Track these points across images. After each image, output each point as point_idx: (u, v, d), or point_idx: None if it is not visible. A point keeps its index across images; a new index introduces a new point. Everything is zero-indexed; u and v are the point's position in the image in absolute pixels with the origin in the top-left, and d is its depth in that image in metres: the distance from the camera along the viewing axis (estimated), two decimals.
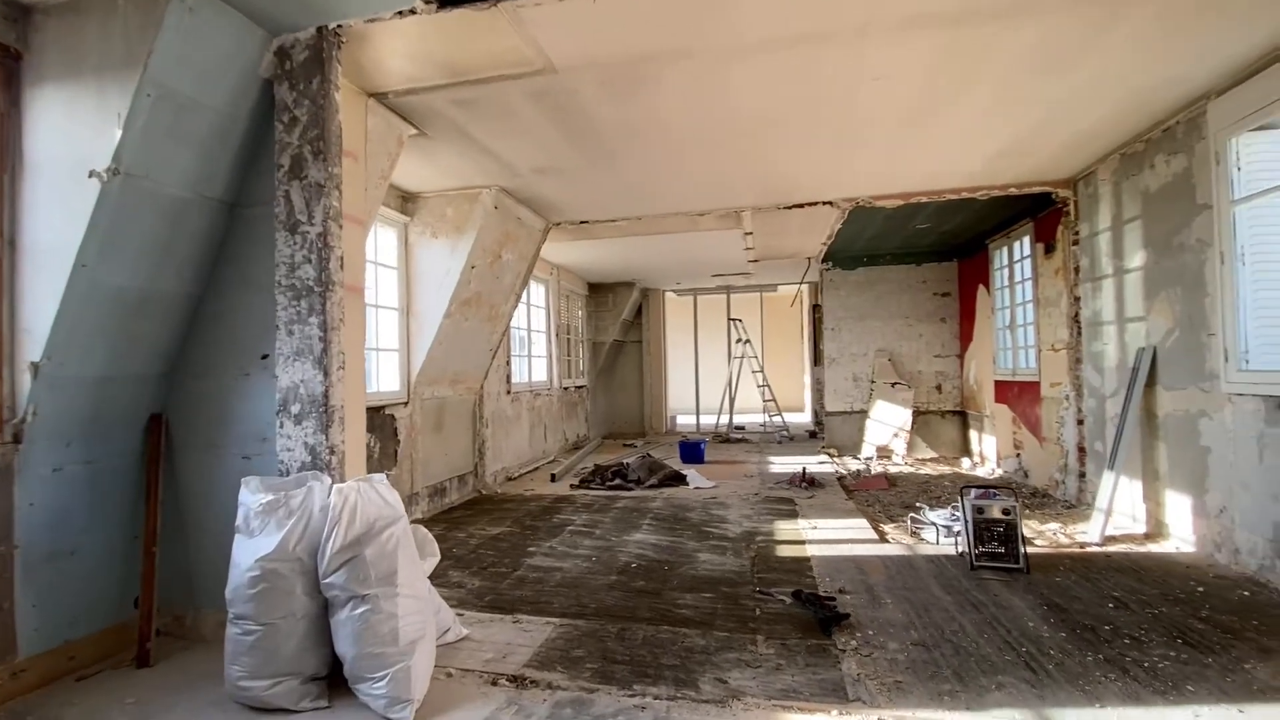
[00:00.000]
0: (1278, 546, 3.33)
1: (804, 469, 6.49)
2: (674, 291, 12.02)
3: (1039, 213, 6.06)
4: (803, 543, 4.38)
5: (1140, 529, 4.49)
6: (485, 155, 4.47)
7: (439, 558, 2.85)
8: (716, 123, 3.97)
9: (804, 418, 13.66)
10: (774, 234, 7.23)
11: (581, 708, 2.25)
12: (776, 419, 10.70)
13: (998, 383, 7.13)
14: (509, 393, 7.22)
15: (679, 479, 6.62)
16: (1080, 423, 5.34)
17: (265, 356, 2.82)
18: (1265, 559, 3.41)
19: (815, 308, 12.02)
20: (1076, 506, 5.25)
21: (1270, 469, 3.38)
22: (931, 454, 8.33)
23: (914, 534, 4.63)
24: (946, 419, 8.40)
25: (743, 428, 11.72)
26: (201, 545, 2.89)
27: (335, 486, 2.40)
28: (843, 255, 8.57)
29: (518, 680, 2.46)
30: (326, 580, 2.31)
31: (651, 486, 6.40)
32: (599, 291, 10.91)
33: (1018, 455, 6.62)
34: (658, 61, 3.17)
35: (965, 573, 3.66)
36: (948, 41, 3.08)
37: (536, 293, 8.61)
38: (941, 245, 8.06)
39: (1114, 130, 4.33)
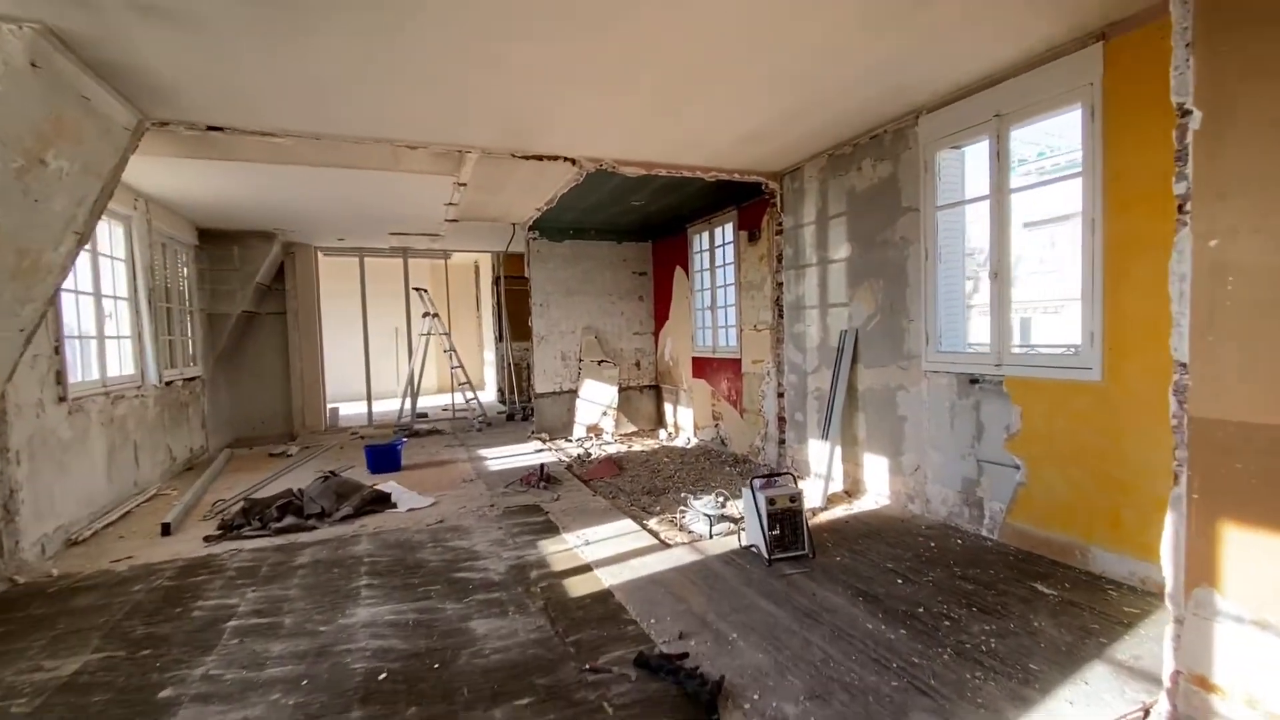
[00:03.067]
0: (964, 496, 4.10)
1: (542, 466, 5.69)
2: (333, 250, 9.52)
3: (743, 202, 6.50)
4: (588, 568, 3.61)
5: (840, 488, 5.19)
6: None
7: None
8: (476, 13, 2.72)
9: (488, 397, 12.76)
10: (491, 189, 6.06)
11: None
12: (473, 403, 9.53)
13: (697, 359, 7.60)
14: (63, 399, 4.34)
15: (382, 500, 5.04)
16: (780, 395, 5.95)
17: None
18: (954, 507, 4.17)
19: (499, 280, 11.17)
20: (780, 471, 5.85)
21: (959, 433, 4.12)
22: (633, 428, 8.53)
23: (683, 528, 4.37)
24: (644, 394, 8.70)
25: (426, 415, 10.17)
26: None
27: None
28: (550, 226, 7.93)
29: None
30: None
31: (346, 519, 4.67)
32: (217, 243, 7.77)
33: (716, 425, 7.18)
34: None
35: (766, 570, 3.48)
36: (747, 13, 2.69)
37: (112, 237, 5.45)
38: (641, 225, 8.15)
39: (833, 131, 4.70)
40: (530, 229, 7.88)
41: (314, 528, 4.49)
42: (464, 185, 5.73)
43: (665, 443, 7.72)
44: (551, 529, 4.34)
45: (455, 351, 9.53)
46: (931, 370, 4.30)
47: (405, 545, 4.09)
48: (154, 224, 6.08)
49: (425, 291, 9.29)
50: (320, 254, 9.41)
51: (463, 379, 9.49)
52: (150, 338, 5.86)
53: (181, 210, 6.62)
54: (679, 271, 7.98)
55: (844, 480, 5.16)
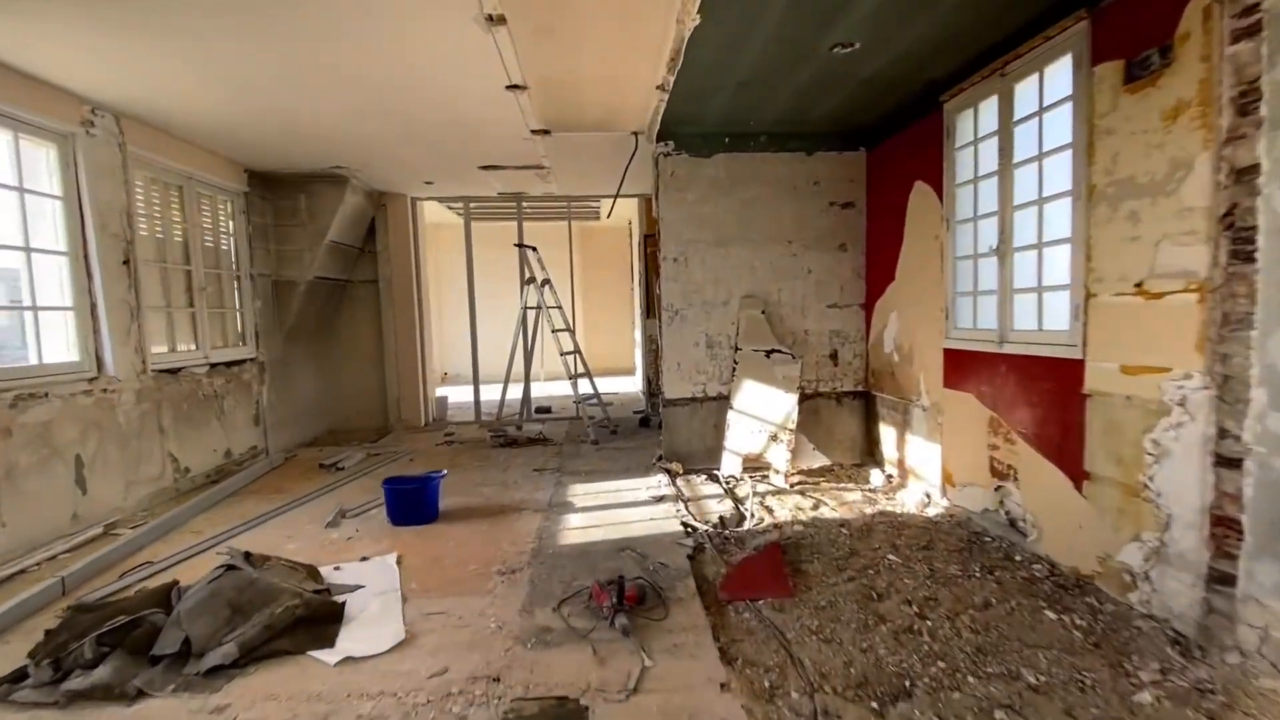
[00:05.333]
0: None
1: (620, 582, 2.84)
2: (430, 200, 7.64)
3: (1098, 2, 2.87)
4: None
5: None
6: None
7: None
8: None
9: (635, 385, 10.30)
10: (563, 52, 3.31)
11: None
12: (592, 404, 7.03)
13: (956, 353, 4.09)
14: None
15: (316, 623, 2.64)
16: (1228, 464, 2.35)
17: None
18: None
19: (649, 238, 8.48)
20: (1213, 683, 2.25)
21: None
22: (823, 460, 5.29)
23: None
24: (843, 405, 5.37)
25: (548, 410, 7.97)
26: None
27: None
28: (689, 130, 4.94)
29: None
30: None
31: (218, 670, 2.31)
32: (276, 190, 6.19)
33: (999, 486, 3.67)
34: None
35: None
36: None
37: (51, 163, 3.79)
38: (849, 115, 4.74)
39: None
40: (660, 139, 4.97)
41: (137, 697, 2.21)
42: (501, 21, 3.01)
43: (881, 499, 4.41)
44: None
45: (570, 331, 7.06)
46: None
47: None
48: (134, 150, 4.38)
49: (533, 250, 6.94)
50: (421, 207, 7.57)
51: (579, 370, 6.99)
52: (115, 310, 4.18)
53: (197, 136, 4.92)
54: (919, 193, 4.46)
55: None
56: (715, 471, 4.97)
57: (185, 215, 5.02)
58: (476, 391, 7.55)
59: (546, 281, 6.74)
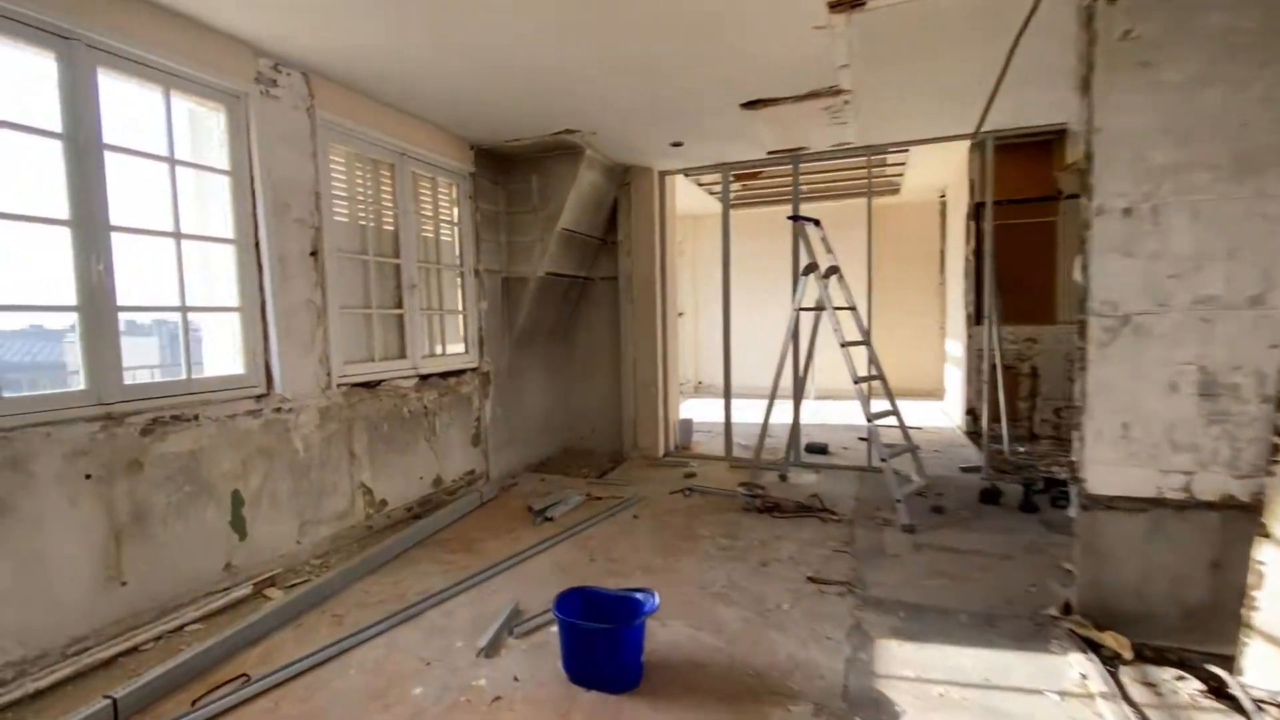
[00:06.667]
0: None
1: None
2: (686, 172, 6.08)
3: None
4: None
5: None
6: None
7: None
8: None
9: (943, 417, 7.39)
10: None
11: None
12: (894, 449, 4.57)
13: None
14: None
15: None
16: None
17: None
18: None
19: (979, 210, 5.71)
20: None
21: None
22: None
23: None
24: None
25: (823, 449, 5.80)
26: None
27: None
28: None
29: None
30: None
31: None
32: (508, 170, 5.25)
33: None
34: None
35: None
36: None
37: (213, 133, 3.12)
38: None
39: None
40: None
41: None
42: None
43: None
44: None
45: (866, 344, 4.70)
46: None
47: None
48: (328, 118, 3.60)
49: (814, 224, 4.80)
50: (669, 186, 6.07)
51: (881, 402, 4.60)
52: (295, 311, 3.42)
53: (415, 103, 4.07)
54: None
55: None
56: (1221, 673, 2.25)
57: (397, 199, 4.25)
58: (728, 418, 5.76)
59: (833, 271, 4.58)
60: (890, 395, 4.51)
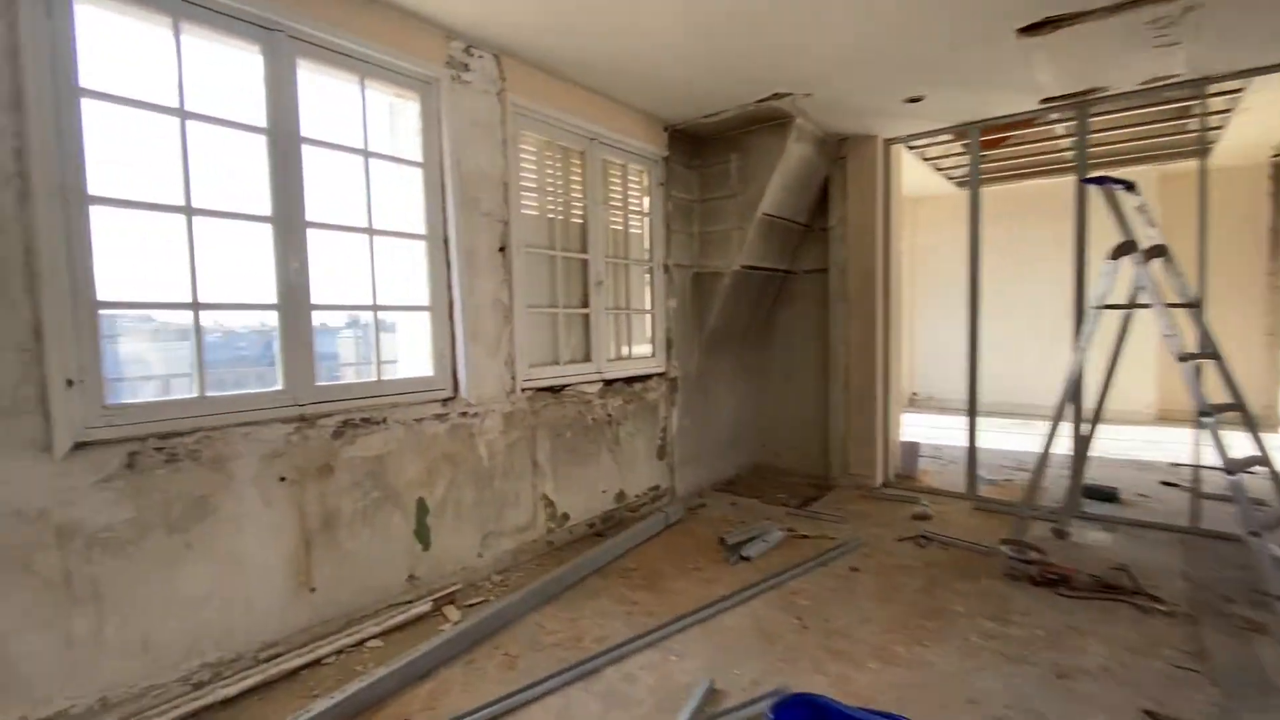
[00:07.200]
0: None
1: None
2: (919, 139, 4.97)
3: None
4: None
5: None
6: None
7: None
8: None
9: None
10: None
11: None
12: (1263, 506, 3.04)
13: None
14: (82, 446, 1.98)
15: None
16: None
17: None
18: None
19: None
20: None
21: None
22: None
23: None
24: None
25: (1111, 496, 4.31)
26: None
27: None
28: None
29: None
30: None
31: None
32: (701, 151, 4.68)
33: None
34: None
35: None
36: None
37: (393, 121, 2.97)
38: None
39: None
40: None
41: None
42: None
43: None
44: None
45: (1216, 357, 3.21)
46: None
47: None
48: (518, 102, 3.33)
49: (1125, 188, 3.42)
50: (895, 158, 5.01)
51: (1211, 424, 3.11)
52: (482, 311, 3.19)
53: (609, 82, 3.69)
54: None
55: None
56: None
57: (586, 189, 3.91)
58: (972, 443, 4.55)
59: (1159, 252, 3.20)
60: (1255, 431, 3.03)
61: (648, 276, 4.49)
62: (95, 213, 2.03)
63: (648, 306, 4.50)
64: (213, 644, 2.29)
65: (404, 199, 3.00)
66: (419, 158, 2.97)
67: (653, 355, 4.52)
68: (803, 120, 4.30)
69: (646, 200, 4.44)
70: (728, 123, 4.37)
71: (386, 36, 2.76)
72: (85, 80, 1.98)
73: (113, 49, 2.07)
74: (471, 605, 2.96)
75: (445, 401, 3.09)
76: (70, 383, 1.97)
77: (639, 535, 3.78)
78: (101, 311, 2.06)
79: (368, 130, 2.76)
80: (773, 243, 4.89)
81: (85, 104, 1.98)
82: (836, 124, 4.58)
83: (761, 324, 5.49)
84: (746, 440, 5.48)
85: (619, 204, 4.23)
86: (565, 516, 3.78)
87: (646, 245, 4.46)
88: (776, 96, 3.97)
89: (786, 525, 3.98)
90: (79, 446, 1.99)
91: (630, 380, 4.26)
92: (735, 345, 5.27)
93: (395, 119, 3.02)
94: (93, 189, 2.02)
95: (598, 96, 3.86)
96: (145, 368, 2.46)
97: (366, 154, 2.77)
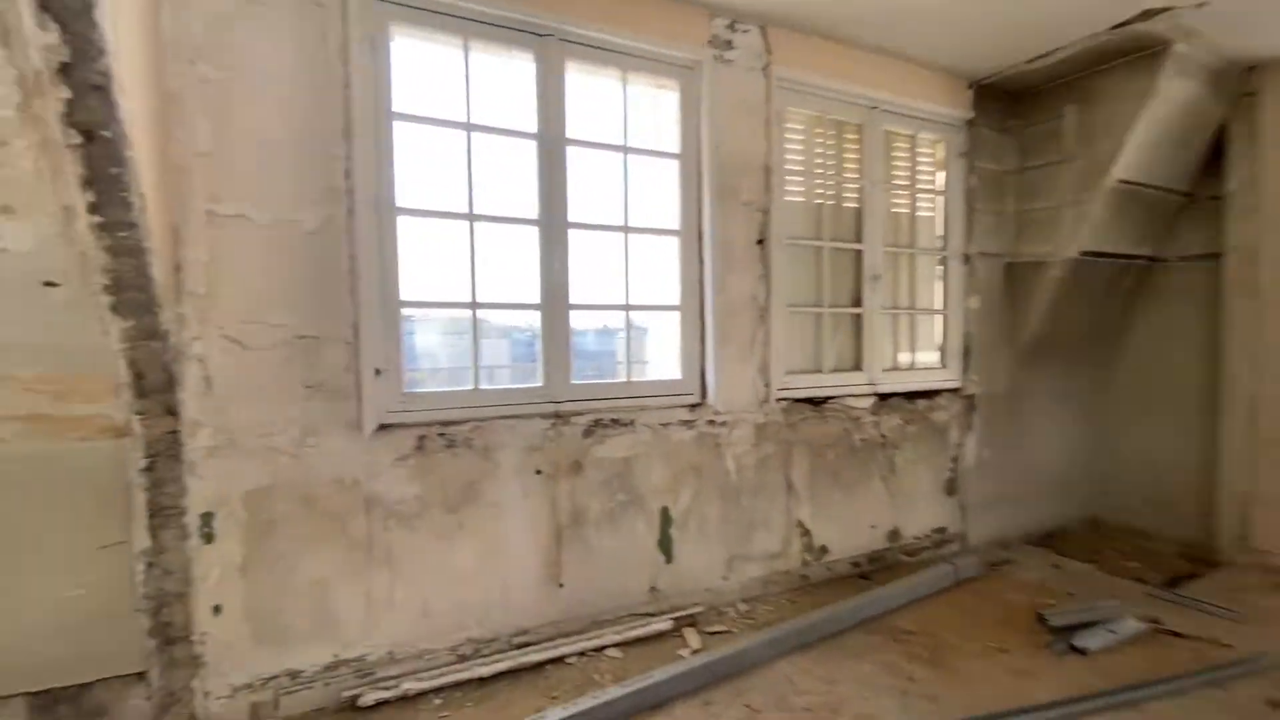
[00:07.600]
0: None
1: None
2: None
3: None
4: None
5: None
6: None
7: None
8: None
9: None
10: None
11: None
12: None
13: None
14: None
15: None
16: None
17: None
18: None
19: None
20: None
21: None
22: None
23: None
24: None
25: None
26: None
27: None
28: None
29: None
30: None
31: None
32: (1016, 110, 3.63)
33: None
34: None
35: None
36: None
37: (661, 107, 2.80)
38: None
39: None
40: None
41: None
42: None
43: None
44: None
45: None
46: None
47: None
48: (784, 74, 2.94)
49: None
50: None
51: None
52: (734, 311, 2.88)
53: (896, 37, 3.10)
54: None
55: None
56: None
57: (864, 167, 3.34)
58: None
59: None
60: None
61: (940, 269, 3.69)
62: (401, 222, 2.30)
63: (938, 306, 3.69)
64: (475, 621, 2.45)
65: (659, 194, 2.89)
66: (676, 149, 2.83)
67: (943, 366, 3.70)
68: (1186, 45, 3.03)
69: (941, 176, 3.65)
70: (1064, 65, 3.32)
71: (650, 25, 2.67)
72: (397, 105, 2.25)
73: (413, 73, 2.34)
74: (713, 633, 2.69)
75: (692, 407, 2.88)
76: (378, 372, 2.25)
77: (919, 589, 3.06)
78: (402, 310, 2.33)
79: (627, 125, 2.70)
80: (1129, 220, 3.60)
81: (396, 125, 2.26)
82: (1243, 46, 3.14)
83: (1106, 330, 4.13)
84: (1076, 484, 4.17)
85: (904, 183, 3.54)
86: (824, 550, 3.27)
87: (940, 231, 3.66)
88: (1146, 15, 2.84)
89: (1144, 612, 2.82)
90: (382, 428, 2.27)
91: (911, 395, 3.53)
92: (1064, 358, 4.05)
93: (653, 113, 2.93)
94: (399, 201, 2.29)
95: (881, 56, 3.26)
96: (433, 360, 2.80)
97: (625, 150, 2.72)
